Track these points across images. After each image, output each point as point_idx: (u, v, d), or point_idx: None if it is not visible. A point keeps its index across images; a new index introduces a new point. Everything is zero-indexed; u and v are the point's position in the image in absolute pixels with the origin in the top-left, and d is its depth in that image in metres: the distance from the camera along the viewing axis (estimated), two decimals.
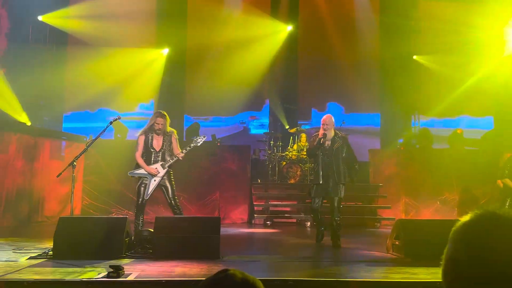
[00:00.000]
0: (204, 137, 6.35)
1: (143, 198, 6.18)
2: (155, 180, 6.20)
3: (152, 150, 6.24)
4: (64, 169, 6.19)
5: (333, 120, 6.80)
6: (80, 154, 6.12)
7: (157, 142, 6.26)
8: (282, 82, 13.12)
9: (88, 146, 6.15)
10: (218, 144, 10.38)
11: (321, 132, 6.71)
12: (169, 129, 6.26)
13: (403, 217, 9.92)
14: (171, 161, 6.22)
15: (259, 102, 13.32)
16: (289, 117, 13.01)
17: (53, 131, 10.84)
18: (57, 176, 6.23)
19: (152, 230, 5.53)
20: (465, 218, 1.16)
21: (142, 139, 6.29)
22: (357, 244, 7.05)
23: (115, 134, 11.48)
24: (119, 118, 6.31)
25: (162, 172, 6.22)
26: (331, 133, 6.75)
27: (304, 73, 13.38)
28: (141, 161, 6.25)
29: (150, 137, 6.24)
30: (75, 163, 6.03)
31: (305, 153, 9.98)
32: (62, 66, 11.83)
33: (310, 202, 6.85)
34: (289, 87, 13.22)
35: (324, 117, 6.81)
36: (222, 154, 10.41)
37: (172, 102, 12.26)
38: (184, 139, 10.86)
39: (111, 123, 6.21)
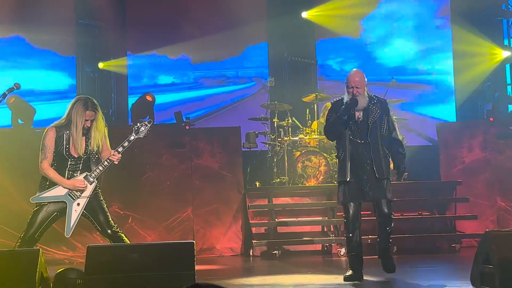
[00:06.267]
0: (149, 122, 5.65)
1: (38, 230, 5.46)
2: (78, 204, 5.52)
3: (67, 156, 5.54)
4: None
5: (365, 78, 5.91)
6: None
7: (76, 145, 5.56)
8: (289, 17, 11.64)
9: None
10: (187, 127, 9.47)
11: (348, 97, 5.91)
12: (101, 126, 5.61)
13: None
14: (100, 170, 5.56)
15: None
16: (304, 77, 11.50)
17: None
18: None
19: (82, 270, 5.06)
20: None
21: (51, 137, 5.53)
22: (424, 279, 6.40)
23: (13, 118, 10.21)
24: (16, 88, 5.65)
25: (89, 188, 5.56)
26: (363, 99, 5.81)
27: None
28: (52, 173, 5.51)
29: (65, 136, 5.55)
30: None
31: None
32: None
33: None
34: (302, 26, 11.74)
35: (352, 73, 5.92)
36: (195, 144, 9.36)
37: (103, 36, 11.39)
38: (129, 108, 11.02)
39: (4, 96, 5.61)
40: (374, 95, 6.02)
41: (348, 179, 5.79)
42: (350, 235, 5.87)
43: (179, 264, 4.98)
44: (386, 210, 5.85)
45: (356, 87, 5.76)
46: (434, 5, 11.71)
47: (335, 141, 6.09)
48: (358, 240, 5.87)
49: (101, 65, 11.36)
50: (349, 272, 5.81)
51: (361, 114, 5.84)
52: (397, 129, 6.06)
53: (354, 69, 6.06)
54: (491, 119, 9.51)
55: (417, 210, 9.11)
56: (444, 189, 9.48)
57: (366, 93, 5.92)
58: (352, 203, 5.86)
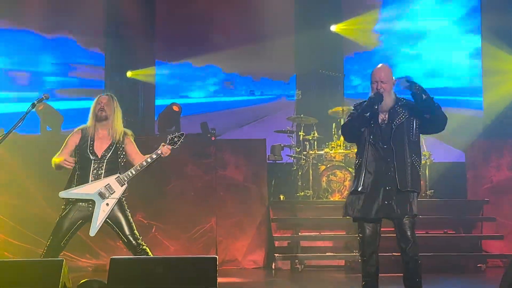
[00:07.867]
0: (181, 135, 5.49)
1: (63, 238, 5.39)
2: (107, 204, 5.45)
3: (91, 154, 5.48)
4: None
5: (393, 75, 5.01)
6: None
7: (100, 144, 5.50)
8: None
9: None
10: (213, 138, 9.50)
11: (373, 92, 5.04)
12: (119, 124, 5.52)
13: None
14: (133, 173, 5.48)
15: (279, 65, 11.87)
16: (331, 90, 11.32)
17: None
18: None
19: (105, 281, 4.92)
20: None
21: (74, 138, 5.50)
22: None
23: (42, 125, 10.27)
24: (45, 98, 5.53)
25: (119, 191, 5.46)
26: (389, 98, 4.93)
27: None
28: (55, 158, 5.66)
29: (88, 135, 5.53)
30: None
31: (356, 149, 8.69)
32: None
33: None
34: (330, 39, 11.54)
35: (377, 67, 5.03)
36: (220, 155, 9.28)
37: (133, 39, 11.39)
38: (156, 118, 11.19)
39: (33, 106, 5.46)
40: (402, 97, 5.14)
41: (359, 189, 4.90)
42: (365, 258, 5.02)
43: (202, 279, 4.86)
44: (408, 232, 4.93)
45: (381, 81, 4.94)
46: (463, 22, 11.60)
47: (353, 141, 5.32)
48: (374, 264, 5.01)
49: (129, 74, 11.37)
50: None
51: (386, 116, 5.02)
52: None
53: (380, 64, 5.21)
54: None
55: (442, 228, 8.92)
56: (470, 208, 9.32)
57: (392, 92, 5.07)
58: (368, 221, 4.95)
